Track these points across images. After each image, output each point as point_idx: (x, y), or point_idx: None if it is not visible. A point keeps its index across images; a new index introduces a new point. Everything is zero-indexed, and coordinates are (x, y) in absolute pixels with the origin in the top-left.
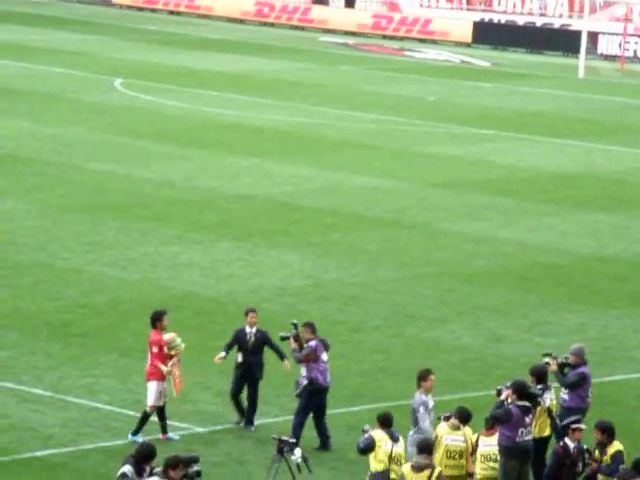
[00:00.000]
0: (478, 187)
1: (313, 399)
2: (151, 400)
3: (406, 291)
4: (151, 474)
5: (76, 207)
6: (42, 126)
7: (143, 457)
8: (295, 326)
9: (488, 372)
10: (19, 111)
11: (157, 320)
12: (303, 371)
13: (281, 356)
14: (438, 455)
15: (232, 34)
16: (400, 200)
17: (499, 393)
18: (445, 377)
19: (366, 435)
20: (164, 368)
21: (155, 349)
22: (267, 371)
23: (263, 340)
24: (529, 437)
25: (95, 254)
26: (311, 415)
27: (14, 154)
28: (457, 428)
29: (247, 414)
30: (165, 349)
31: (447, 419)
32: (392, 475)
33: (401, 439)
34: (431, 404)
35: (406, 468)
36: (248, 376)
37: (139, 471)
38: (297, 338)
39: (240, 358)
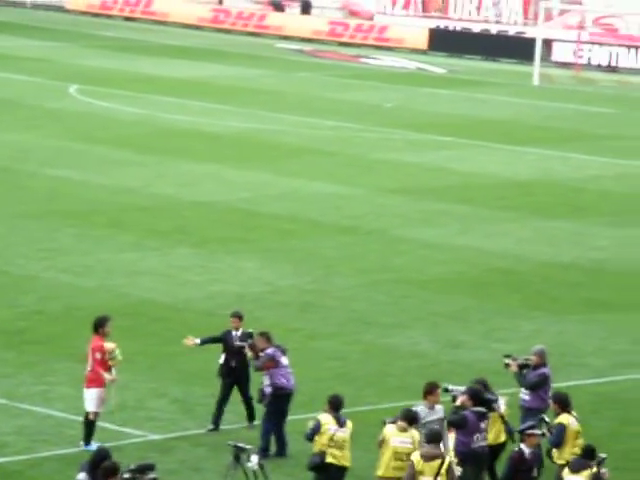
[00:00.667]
0: (435, 194)
1: (279, 404)
2: (93, 407)
3: (363, 298)
4: None
5: (31, 213)
6: None
7: (99, 463)
8: (250, 335)
9: (445, 378)
10: None
11: (100, 326)
12: (265, 379)
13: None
14: (385, 456)
15: (188, 40)
16: (357, 206)
17: (453, 399)
18: (401, 383)
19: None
20: (107, 376)
21: (98, 355)
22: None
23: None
24: (484, 443)
25: (50, 261)
26: None
27: None
28: (404, 430)
29: (248, 411)
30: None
31: (393, 423)
32: (329, 459)
33: (348, 424)
34: (430, 417)
35: (415, 457)
36: (236, 378)
37: (95, 477)
38: (253, 347)
39: (225, 360)
